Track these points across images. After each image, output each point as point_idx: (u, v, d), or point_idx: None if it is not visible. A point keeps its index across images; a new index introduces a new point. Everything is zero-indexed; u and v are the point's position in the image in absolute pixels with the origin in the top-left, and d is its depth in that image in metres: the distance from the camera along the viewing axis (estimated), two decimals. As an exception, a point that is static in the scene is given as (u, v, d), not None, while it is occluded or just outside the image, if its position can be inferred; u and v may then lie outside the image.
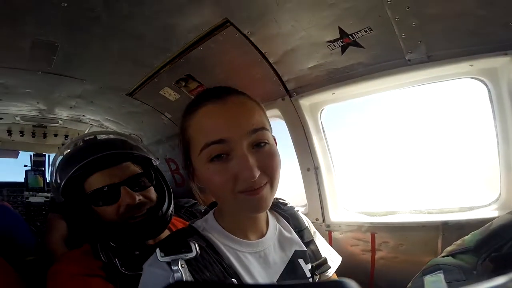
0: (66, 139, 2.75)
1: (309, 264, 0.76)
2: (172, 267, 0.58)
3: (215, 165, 0.60)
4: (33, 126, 2.51)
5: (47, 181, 2.77)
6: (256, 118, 0.63)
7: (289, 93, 1.50)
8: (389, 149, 1.80)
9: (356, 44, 1.16)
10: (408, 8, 0.96)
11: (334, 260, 0.85)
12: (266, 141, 0.62)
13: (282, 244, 0.74)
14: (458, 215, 1.25)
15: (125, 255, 0.87)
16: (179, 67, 1.53)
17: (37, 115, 2.27)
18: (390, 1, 0.96)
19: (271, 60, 1.39)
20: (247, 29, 1.26)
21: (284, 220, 0.82)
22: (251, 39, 1.31)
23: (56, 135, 2.73)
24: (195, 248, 0.61)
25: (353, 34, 1.12)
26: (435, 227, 1.22)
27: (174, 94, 1.75)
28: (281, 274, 0.69)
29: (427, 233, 1.24)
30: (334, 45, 1.20)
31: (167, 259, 0.59)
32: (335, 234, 1.53)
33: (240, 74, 1.56)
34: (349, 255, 1.45)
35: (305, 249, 0.78)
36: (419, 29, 1.02)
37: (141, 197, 0.90)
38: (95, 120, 2.40)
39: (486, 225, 0.91)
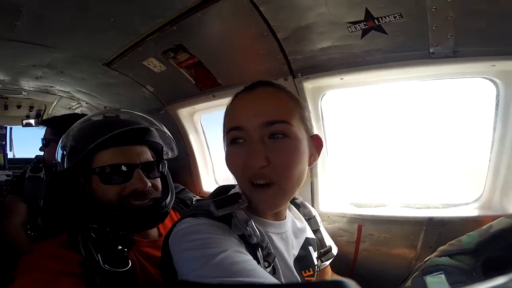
0: (31, 111, 2.38)
1: (316, 251, 0.81)
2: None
3: (233, 148, 0.66)
4: (-8, 97, 2.10)
5: (8, 157, 2.41)
6: (278, 109, 0.64)
7: (293, 74, 1.36)
8: (384, 142, 1.81)
9: (380, 29, 1.04)
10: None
11: (334, 249, 0.90)
12: (284, 134, 0.62)
13: (295, 230, 0.78)
14: (442, 211, 1.28)
15: (107, 249, 0.78)
16: (170, 35, 1.29)
17: (-3, 86, 1.89)
18: (433, -11, 0.84)
19: (279, 36, 1.22)
20: (259, -4, 1.07)
21: (295, 208, 0.87)
22: (260, 9, 1.11)
23: (19, 107, 2.36)
24: (245, 198, 0.65)
25: (380, 18, 1.00)
26: (419, 222, 1.24)
27: (160, 66, 1.51)
28: (295, 258, 0.72)
29: (411, 227, 1.26)
30: (355, 27, 1.06)
31: (224, 211, 0.62)
32: (323, 224, 1.53)
33: (240, 47, 1.38)
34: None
35: (314, 237, 0.83)
36: (454, 22, 0.92)
37: (150, 185, 0.85)
38: (65, 92, 2.08)
39: (484, 227, 0.91)
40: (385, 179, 1.91)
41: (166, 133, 0.97)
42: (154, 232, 0.93)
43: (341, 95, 1.51)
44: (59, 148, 0.89)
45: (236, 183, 0.73)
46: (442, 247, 0.92)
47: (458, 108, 1.53)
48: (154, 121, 0.96)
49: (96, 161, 0.83)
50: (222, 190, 0.82)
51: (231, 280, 0.52)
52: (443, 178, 1.65)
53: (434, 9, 0.91)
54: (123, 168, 0.82)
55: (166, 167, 0.95)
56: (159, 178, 0.92)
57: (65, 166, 0.85)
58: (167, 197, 0.90)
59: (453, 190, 1.51)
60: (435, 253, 0.92)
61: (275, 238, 0.70)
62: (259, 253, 0.62)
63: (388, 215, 1.34)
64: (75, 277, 0.71)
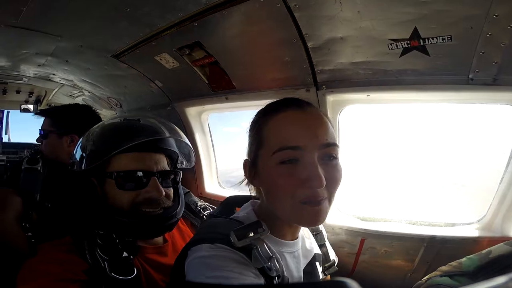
0: (31, 96, 2.29)
1: (321, 266, 0.83)
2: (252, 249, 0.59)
3: (284, 168, 0.62)
4: (-10, 82, 1.97)
5: (3, 140, 2.24)
6: (330, 132, 0.65)
7: (317, 85, 1.28)
8: (393, 158, 1.79)
9: (423, 49, 0.97)
10: (511, 27, 0.79)
11: (336, 261, 0.91)
12: (335, 156, 0.64)
13: (304, 247, 0.78)
14: (444, 230, 1.28)
15: (113, 256, 0.77)
16: (189, 31, 1.18)
17: (-3, 71, 1.76)
18: (496, 15, 0.78)
19: (309, 45, 1.14)
20: (296, 1, 0.98)
21: None
22: (295, 14, 1.03)
23: (18, 92, 2.26)
24: (266, 226, 0.63)
25: (427, 39, 0.93)
26: (421, 239, 1.24)
27: (173, 62, 1.39)
28: (303, 273, 0.73)
29: (413, 243, 1.26)
30: (396, 44, 0.99)
31: (244, 242, 0.59)
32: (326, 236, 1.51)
33: (263, 51, 1.29)
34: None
35: (320, 252, 0.85)
36: (505, 50, 0.87)
37: (164, 194, 0.85)
38: (68, 80, 1.97)
39: (484, 252, 0.94)
40: (392, 194, 1.90)
41: (187, 144, 0.96)
42: (159, 238, 0.92)
43: (350, 110, 1.45)
44: (78, 148, 0.88)
45: (250, 194, 0.74)
46: (443, 267, 0.96)
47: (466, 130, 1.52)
48: (176, 129, 0.95)
49: (113, 165, 0.82)
50: (233, 201, 0.83)
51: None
52: (447, 193, 1.65)
53: (489, 35, 0.84)
54: (140, 174, 0.81)
55: (180, 177, 0.94)
56: (171, 187, 0.91)
57: (83, 168, 0.84)
58: (178, 207, 0.90)
59: (456, 209, 1.52)
60: (436, 272, 0.96)
61: (288, 258, 0.70)
62: (276, 281, 0.62)
63: (392, 231, 1.33)
64: (80, 284, 0.69)
